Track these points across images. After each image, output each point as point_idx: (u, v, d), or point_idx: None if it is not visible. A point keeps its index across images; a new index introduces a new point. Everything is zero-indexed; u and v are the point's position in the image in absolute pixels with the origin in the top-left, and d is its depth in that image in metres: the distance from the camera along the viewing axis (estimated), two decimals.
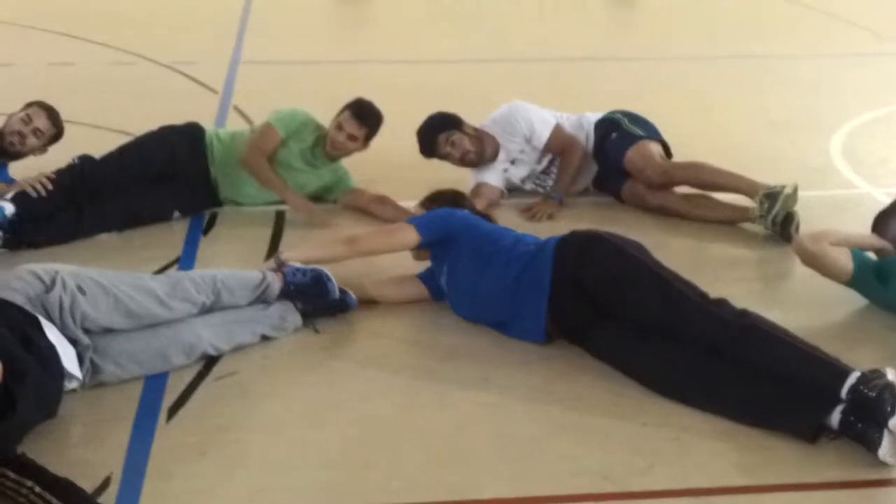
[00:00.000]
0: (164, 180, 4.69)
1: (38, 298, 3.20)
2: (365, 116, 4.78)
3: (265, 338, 3.62)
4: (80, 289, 3.24)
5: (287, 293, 3.72)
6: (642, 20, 10.64)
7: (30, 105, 4.79)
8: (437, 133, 4.91)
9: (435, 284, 3.89)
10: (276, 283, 3.71)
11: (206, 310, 3.56)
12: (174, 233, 4.60)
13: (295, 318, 3.70)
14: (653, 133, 4.96)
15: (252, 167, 4.74)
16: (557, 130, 4.95)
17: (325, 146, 4.82)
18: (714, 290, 3.44)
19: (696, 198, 4.80)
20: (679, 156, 4.96)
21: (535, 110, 5.02)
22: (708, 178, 4.75)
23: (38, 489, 2.65)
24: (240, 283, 3.66)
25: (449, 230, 3.80)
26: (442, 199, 4.11)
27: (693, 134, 5.61)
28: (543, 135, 4.93)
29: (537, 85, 6.88)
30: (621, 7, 11.21)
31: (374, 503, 2.81)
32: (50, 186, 4.44)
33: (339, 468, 2.95)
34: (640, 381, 3.34)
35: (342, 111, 4.80)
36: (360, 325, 3.78)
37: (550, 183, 4.99)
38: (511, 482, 2.89)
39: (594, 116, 5.06)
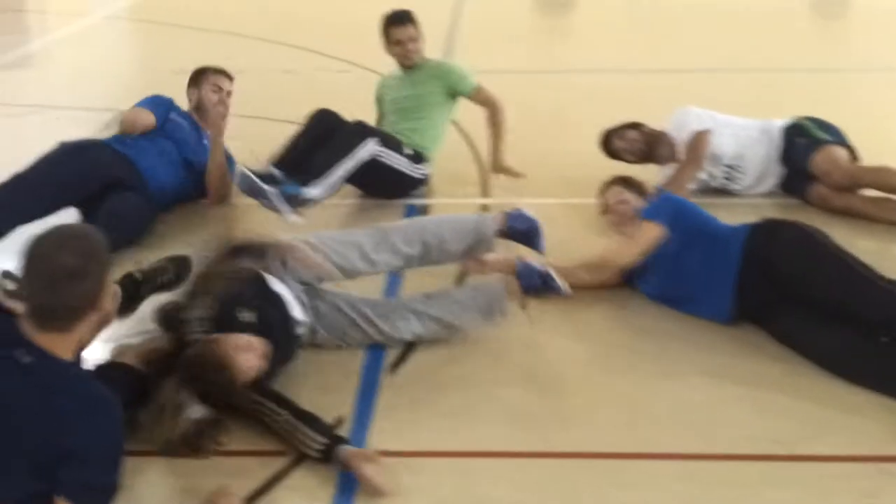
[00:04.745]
0: None
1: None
2: (401, 18, 5.47)
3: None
4: None
5: (503, 233, 4.02)
6: (847, 31, 10.62)
7: (202, 73, 5.29)
8: (614, 131, 5.39)
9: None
10: (493, 223, 4.00)
11: (411, 260, 3.90)
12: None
13: (501, 307, 3.85)
14: (839, 138, 5.17)
15: None
16: (695, 136, 5.19)
17: (400, 65, 5.56)
18: None
19: (883, 201, 4.98)
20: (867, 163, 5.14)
21: (699, 114, 5.32)
22: (894, 181, 4.92)
23: (291, 418, 3.18)
24: (453, 229, 3.93)
25: (676, 216, 4.13)
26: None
27: (883, 145, 5.70)
28: (681, 137, 5.26)
29: (729, 94, 7.09)
30: (829, 19, 11.18)
31: (564, 450, 3.22)
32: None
33: (537, 418, 3.39)
34: (816, 361, 3.62)
35: (384, 31, 5.50)
36: (557, 303, 4.14)
37: (737, 185, 5.27)
38: (688, 441, 3.24)
39: (781, 122, 5.30)
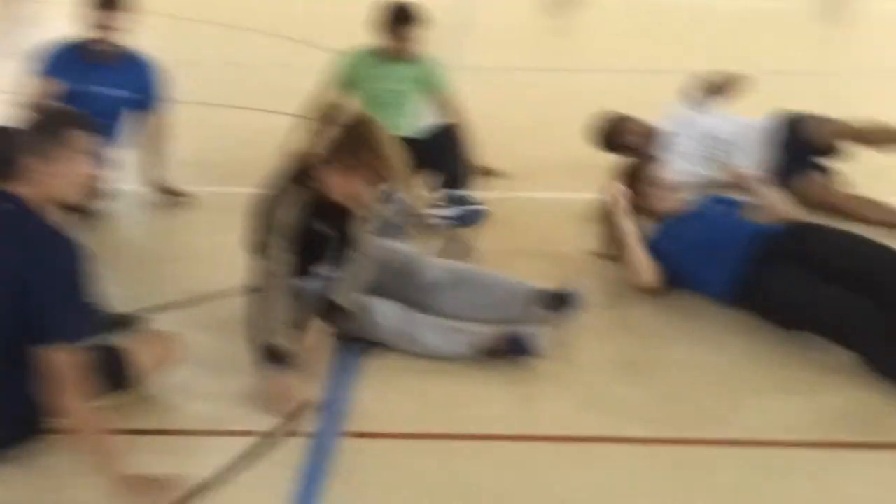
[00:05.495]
0: None
1: None
2: (412, 17, 5.25)
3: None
4: None
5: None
6: (845, 35, 10.62)
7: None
8: (620, 122, 5.56)
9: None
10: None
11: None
12: None
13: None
14: None
15: None
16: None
17: (390, 56, 5.33)
18: None
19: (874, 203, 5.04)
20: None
21: (682, 109, 5.47)
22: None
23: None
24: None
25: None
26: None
27: None
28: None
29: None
30: (831, 23, 11.18)
31: (552, 434, 3.27)
32: None
33: (530, 399, 3.50)
34: (819, 322, 3.72)
35: (389, 26, 5.26)
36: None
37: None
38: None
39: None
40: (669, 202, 4.42)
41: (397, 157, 3.53)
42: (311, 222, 3.51)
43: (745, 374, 3.64)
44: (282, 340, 3.37)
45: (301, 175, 3.54)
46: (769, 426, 3.30)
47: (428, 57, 5.52)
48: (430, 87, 5.44)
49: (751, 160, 5.32)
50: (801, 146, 5.27)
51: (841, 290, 3.70)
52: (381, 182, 3.59)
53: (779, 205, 4.48)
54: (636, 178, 4.49)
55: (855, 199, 5.07)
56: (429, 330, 3.72)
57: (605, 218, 4.47)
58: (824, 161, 5.34)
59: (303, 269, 3.59)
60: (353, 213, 3.66)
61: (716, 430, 3.29)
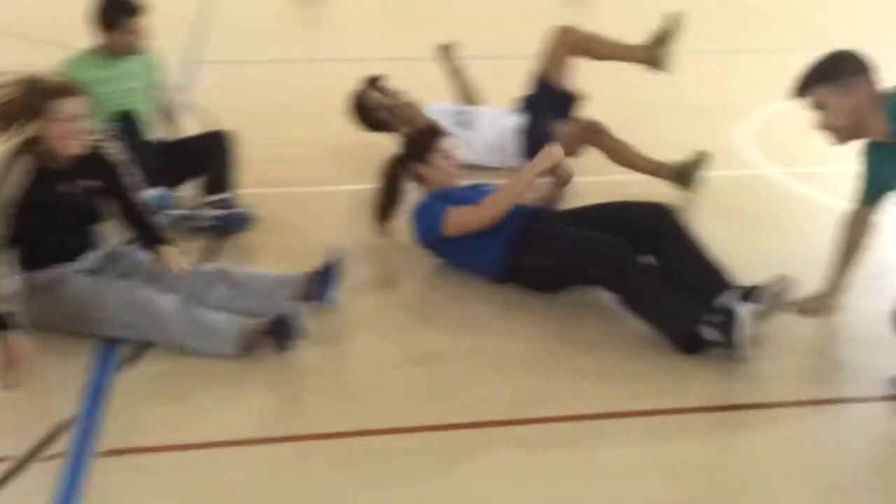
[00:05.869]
0: None
1: None
2: (139, 8, 4.92)
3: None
4: None
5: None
6: (591, 21, 11.02)
7: None
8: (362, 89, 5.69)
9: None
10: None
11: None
12: None
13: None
14: None
15: None
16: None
17: (112, 52, 4.92)
18: None
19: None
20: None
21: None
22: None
23: None
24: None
25: None
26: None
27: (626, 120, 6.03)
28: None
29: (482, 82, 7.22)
30: (571, 6, 11.58)
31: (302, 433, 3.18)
32: None
33: (284, 404, 3.38)
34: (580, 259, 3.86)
35: (115, 19, 4.85)
36: None
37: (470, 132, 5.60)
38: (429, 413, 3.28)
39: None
40: (452, 176, 4.44)
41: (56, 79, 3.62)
42: (46, 189, 3.55)
43: (514, 354, 3.69)
44: (5, 307, 3.32)
45: (22, 148, 3.55)
46: (534, 402, 3.35)
47: (151, 49, 5.14)
48: (154, 80, 5.15)
49: (504, 125, 5.51)
50: (553, 96, 5.58)
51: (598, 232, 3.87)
52: (72, 107, 3.55)
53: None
54: (421, 148, 4.46)
55: (616, 143, 5.31)
56: (211, 316, 3.62)
57: (383, 180, 4.53)
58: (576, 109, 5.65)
59: (69, 239, 3.72)
60: (102, 161, 3.73)
61: (488, 412, 3.30)
